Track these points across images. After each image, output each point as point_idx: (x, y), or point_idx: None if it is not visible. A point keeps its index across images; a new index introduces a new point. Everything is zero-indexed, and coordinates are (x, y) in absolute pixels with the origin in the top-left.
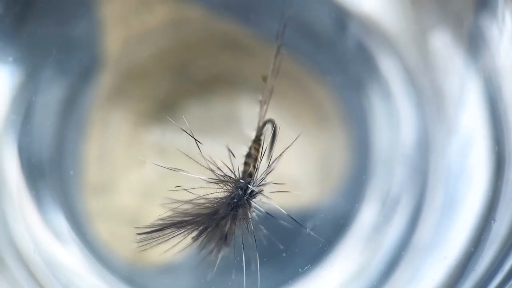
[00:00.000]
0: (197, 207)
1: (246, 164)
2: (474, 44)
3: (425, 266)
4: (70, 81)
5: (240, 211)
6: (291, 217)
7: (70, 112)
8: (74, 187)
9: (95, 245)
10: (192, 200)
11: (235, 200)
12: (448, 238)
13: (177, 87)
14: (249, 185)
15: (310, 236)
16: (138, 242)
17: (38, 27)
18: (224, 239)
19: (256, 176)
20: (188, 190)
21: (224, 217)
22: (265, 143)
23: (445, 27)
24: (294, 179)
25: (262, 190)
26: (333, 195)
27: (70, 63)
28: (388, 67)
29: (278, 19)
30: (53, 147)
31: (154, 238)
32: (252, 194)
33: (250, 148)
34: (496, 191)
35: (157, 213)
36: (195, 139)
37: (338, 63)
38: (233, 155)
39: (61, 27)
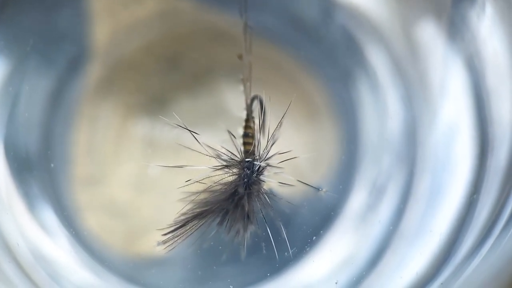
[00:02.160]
0: (212, 195)
1: (246, 144)
2: (457, 34)
3: (411, 254)
4: (58, 73)
5: (254, 188)
6: (303, 182)
7: (58, 104)
8: (63, 180)
9: (85, 237)
10: (206, 189)
11: (245, 179)
12: (433, 226)
13: (167, 79)
14: (255, 162)
15: (300, 225)
16: (163, 242)
17: (20, 15)
18: (247, 217)
19: (259, 152)
20: (200, 182)
21: (241, 197)
22: (258, 119)
23: (430, 18)
24: (285, 171)
25: (269, 164)
26: (322, 185)
27: (57, 54)
28: (376, 58)
29: (267, 11)
30: (41, 140)
31: (178, 235)
32: (260, 170)
33: (245, 128)
34: (479, 179)
35: (148, 205)
36: (190, 130)
37: (327, 55)
38: (233, 136)
39: (46, 17)
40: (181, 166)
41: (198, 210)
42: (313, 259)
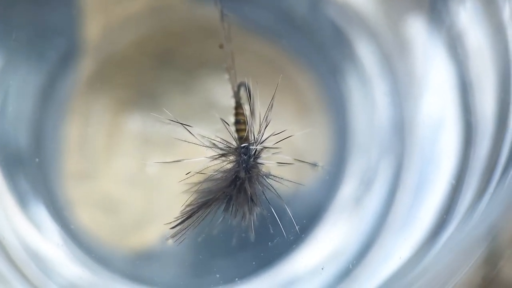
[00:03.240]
0: (213, 184)
1: (239, 130)
2: (442, 27)
3: (399, 244)
4: (49, 68)
5: (254, 171)
6: (300, 160)
7: (49, 99)
8: (54, 175)
9: (77, 232)
10: (206, 179)
11: (244, 165)
12: (420, 216)
13: (159, 74)
14: (251, 147)
15: (289, 218)
16: (172, 236)
17: (10, 10)
18: (251, 201)
19: (254, 136)
20: (199, 172)
21: (242, 182)
22: (248, 105)
23: (417, 12)
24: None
25: (264, 146)
26: (312, 180)
27: (49, 49)
28: (365, 52)
29: (258, 5)
30: (31, 135)
31: (186, 227)
32: (257, 154)
33: (236, 115)
34: (462, 170)
35: (140, 199)
36: (182, 124)
37: (317, 49)
38: (227, 123)
39: (37, 12)
40: (179, 161)
41: (202, 199)
42: (302, 251)
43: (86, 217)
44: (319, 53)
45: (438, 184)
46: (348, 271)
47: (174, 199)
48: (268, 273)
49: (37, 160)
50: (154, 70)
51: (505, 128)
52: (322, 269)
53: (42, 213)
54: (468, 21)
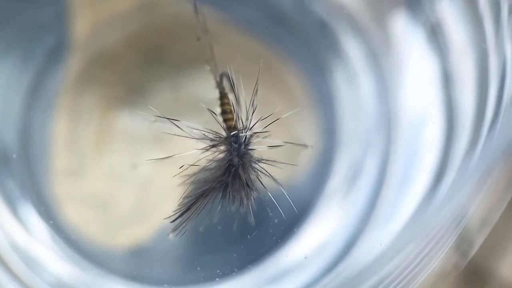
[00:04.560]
0: (207, 174)
1: (226, 120)
2: (429, 24)
3: (382, 239)
4: (37, 65)
5: (246, 157)
6: (291, 142)
7: (37, 97)
8: (42, 172)
9: (65, 229)
10: (200, 170)
11: (235, 152)
12: (403, 210)
13: (148, 71)
14: (240, 134)
15: (277, 215)
16: (173, 231)
17: None
18: (247, 186)
19: (243, 123)
20: (193, 165)
21: (236, 170)
22: (233, 94)
23: (403, 8)
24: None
25: (254, 133)
26: (300, 177)
27: (36, 46)
28: (352, 49)
29: (246, 2)
30: (18, 133)
31: (186, 219)
32: (247, 142)
33: (221, 105)
34: (443, 165)
35: (129, 196)
36: (170, 119)
37: (305, 46)
38: (214, 113)
39: (24, 8)
40: (170, 156)
41: (198, 190)
42: (287, 248)
43: (74, 214)
44: (306, 49)
45: (421, 178)
46: (334, 263)
47: (164, 195)
48: (258, 268)
49: (14, 156)
50: (143, 67)
51: (482, 122)
52: (305, 258)
53: (30, 210)
54: (450, 16)
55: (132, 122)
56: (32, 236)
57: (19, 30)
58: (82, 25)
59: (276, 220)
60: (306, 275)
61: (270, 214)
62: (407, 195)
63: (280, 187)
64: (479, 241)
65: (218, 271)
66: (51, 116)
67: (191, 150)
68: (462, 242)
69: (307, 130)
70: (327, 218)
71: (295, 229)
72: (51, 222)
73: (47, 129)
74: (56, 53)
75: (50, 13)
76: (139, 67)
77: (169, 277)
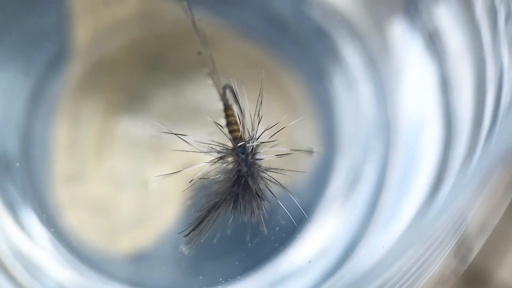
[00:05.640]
0: (217, 187)
1: (232, 131)
2: (427, 30)
3: (383, 242)
4: (38, 71)
5: (254, 168)
6: (297, 150)
7: (38, 103)
8: (43, 178)
9: (66, 235)
10: (210, 182)
11: (243, 163)
12: (403, 213)
13: (149, 77)
14: (247, 144)
15: (279, 221)
16: (186, 245)
17: None
18: (258, 196)
19: (247, 134)
20: (202, 178)
21: (245, 180)
22: (237, 106)
23: (401, 14)
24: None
25: (261, 142)
26: (300, 183)
27: (37, 53)
28: (351, 54)
29: (246, 9)
30: (19, 139)
31: (199, 232)
32: (254, 151)
33: (226, 117)
34: (441, 173)
35: (130, 202)
36: (177, 134)
37: (304, 52)
38: (220, 125)
39: (25, 15)
40: (179, 171)
41: (210, 203)
42: (289, 253)
43: (75, 220)
44: (305, 55)
45: (420, 182)
46: (334, 268)
47: (164, 201)
48: (257, 274)
49: (17, 164)
50: (144, 73)
51: (480, 128)
52: (309, 262)
53: (31, 216)
54: (447, 22)
55: (133, 128)
56: (33, 242)
57: (21, 37)
58: (83, 32)
59: (277, 228)
60: (307, 280)
61: (282, 222)
62: (407, 200)
63: (290, 194)
64: (478, 246)
65: (221, 278)
66: (53, 122)
67: (200, 163)
68: (461, 247)
69: (306, 136)
70: (327, 223)
71: (296, 234)
72: (51, 227)
73: (48, 135)
74: (57, 60)
75: (51, 20)
76: (140, 74)
77: (170, 283)
